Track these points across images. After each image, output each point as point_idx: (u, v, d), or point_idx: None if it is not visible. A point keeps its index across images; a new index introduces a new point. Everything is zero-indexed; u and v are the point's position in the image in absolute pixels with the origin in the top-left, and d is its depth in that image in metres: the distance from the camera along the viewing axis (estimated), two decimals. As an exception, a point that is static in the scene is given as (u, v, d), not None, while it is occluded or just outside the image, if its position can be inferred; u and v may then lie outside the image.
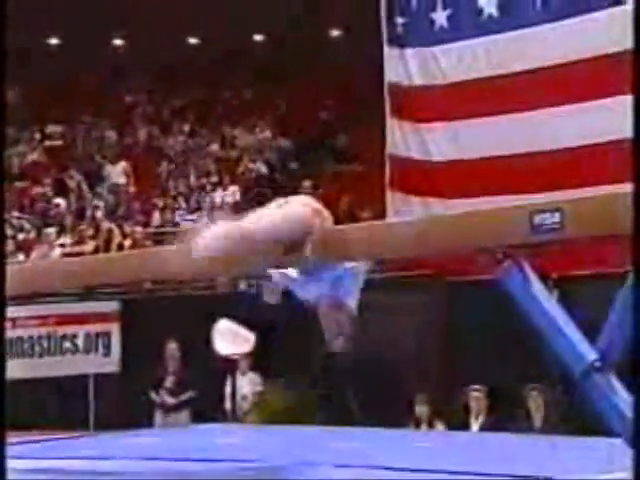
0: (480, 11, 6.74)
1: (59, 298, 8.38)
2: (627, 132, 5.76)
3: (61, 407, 7.93)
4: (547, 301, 2.78)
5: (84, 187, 12.53)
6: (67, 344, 8.47)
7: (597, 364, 2.61)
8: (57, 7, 14.09)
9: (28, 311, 8.35)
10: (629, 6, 5.73)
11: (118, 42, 16.49)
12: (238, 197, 11.91)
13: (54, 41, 16.39)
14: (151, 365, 7.79)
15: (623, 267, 2.79)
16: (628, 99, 5.88)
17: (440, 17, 6.97)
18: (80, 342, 8.45)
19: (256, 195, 12.19)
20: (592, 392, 2.67)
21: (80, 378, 8.34)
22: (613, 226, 2.52)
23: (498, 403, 6.68)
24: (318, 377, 7.48)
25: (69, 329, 8.46)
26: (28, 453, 3.79)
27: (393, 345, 7.25)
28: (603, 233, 2.60)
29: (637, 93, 2.54)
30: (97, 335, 8.45)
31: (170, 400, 7.64)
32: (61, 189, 12.57)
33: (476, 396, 6.65)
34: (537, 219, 2.66)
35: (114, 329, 8.42)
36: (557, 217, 2.59)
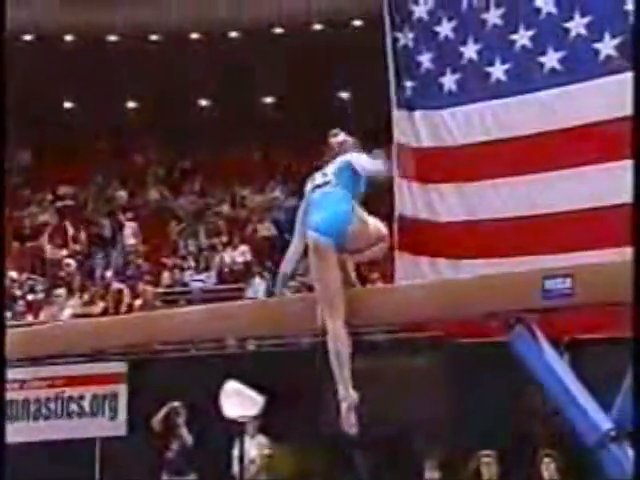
0: (488, 76, 6.81)
1: (66, 359, 8.34)
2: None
3: (67, 471, 7.81)
4: (559, 367, 2.76)
5: (119, 238, 12.63)
6: (74, 406, 8.39)
7: (612, 433, 2.57)
8: (71, 71, 14.39)
9: (36, 373, 8.30)
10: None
11: (131, 104, 16.78)
12: (248, 257, 11.92)
13: (68, 105, 16.69)
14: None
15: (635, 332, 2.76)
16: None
17: (449, 81, 7.04)
18: (87, 404, 8.37)
19: (266, 255, 12.22)
20: (607, 461, 2.63)
21: (86, 441, 8.25)
22: (623, 293, 2.51)
23: (510, 469, 6.55)
24: (327, 443, 7.37)
25: (76, 391, 8.39)
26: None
27: (402, 408, 7.15)
28: (613, 300, 2.59)
29: (637, 154, 2.56)
30: (104, 397, 8.37)
31: (177, 463, 7.54)
32: (99, 240, 12.70)
33: (487, 461, 6.52)
34: (548, 284, 2.66)
35: (121, 391, 8.35)
36: (568, 283, 2.59)
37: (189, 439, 7.55)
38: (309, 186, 3.77)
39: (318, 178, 3.73)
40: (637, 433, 2.19)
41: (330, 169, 3.73)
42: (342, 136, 3.90)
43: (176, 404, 7.55)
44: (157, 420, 7.55)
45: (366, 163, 3.66)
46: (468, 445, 6.78)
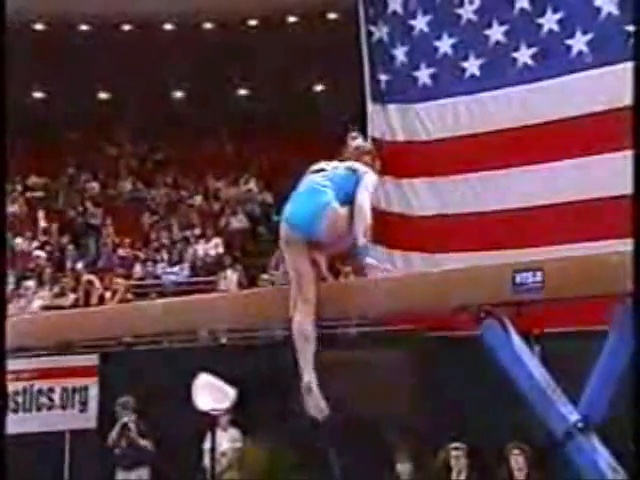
0: (463, 70, 6.85)
1: (36, 352, 8.25)
2: (608, 190, 5.85)
3: (36, 465, 7.74)
4: (529, 360, 2.78)
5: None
6: (43, 399, 8.30)
7: (579, 425, 2.60)
8: (42, 60, 14.21)
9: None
10: (612, 67, 5.88)
11: (103, 95, 16.62)
12: (221, 250, 11.88)
13: (38, 94, 16.49)
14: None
15: (604, 325, 2.80)
16: (609, 158, 6.00)
17: (423, 75, 7.08)
18: (56, 397, 8.29)
19: (239, 248, 12.20)
20: (574, 453, 2.66)
21: (56, 434, 8.17)
22: (593, 287, 2.53)
23: (479, 462, 6.60)
24: (299, 435, 7.37)
25: (45, 384, 8.31)
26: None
27: (374, 401, 7.18)
28: (583, 293, 2.61)
29: (637, 148, 2.58)
30: (74, 390, 8.30)
31: (127, 457, 7.53)
32: (88, 228, 12.59)
33: (456, 454, 6.56)
34: (519, 278, 2.68)
35: (92, 384, 8.28)
36: (538, 276, 2.61)
37: (150, 446, 7.54)
38: (310, 168, 3.74)
39: (320, 164, 3.71)
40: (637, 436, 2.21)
41: (334, 164, 3.69)
42: (360, 141, 3.90)
43: (125, 419, 7.58)
44: (112, 437, 7.62)
45: (363, 201, 3.55)
46: (439, 437, 6.82)
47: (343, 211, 3.51)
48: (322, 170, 3.64)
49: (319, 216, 3.43)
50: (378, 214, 7.46)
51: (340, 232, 3.52)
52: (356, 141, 3.89)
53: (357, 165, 3.70)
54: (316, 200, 3.48)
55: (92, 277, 10.41)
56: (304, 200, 3.52)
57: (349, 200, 3.55)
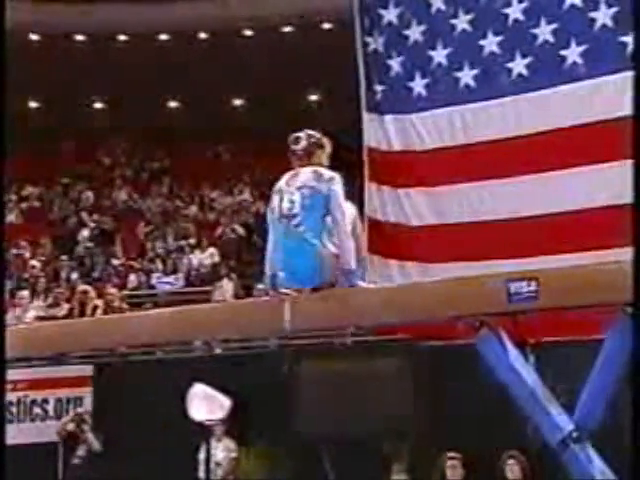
0: (457, 80, 6.87)
1: (30, 362, 8.22)
2: (602, 200, 5.88)
3: (29, 476, 7.69)
4: (524, 370, 2.78)
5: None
6: (37, 410, 8.27)
7: (574, 434, 2.60)
8: (37, 70, 14.23)
9: (-2, 376, 8.17)
10: (606, 78, 5.92)
11: (98, 105, 16.64)
12: (216, 259, 11.88)
13: (33, 104, 16.50)
14: (123, 431, 7.64)
15: (599, 334, 2.80)
16: (602, 168, 6.03)
17: (418, 85, 7.10)
18: (50, 408, 8.26)
19: (234, 257, 12.19)
20: (569, 462, 2.66)
21: (50, 445, 8.13)
22: (587, 296, 2.54)
23: (475, 471, 6.59)
24: (295, 446, 7.36)
25: (39, 394, 8.27)
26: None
27: (370, 411, 7.17)
28: (577, 303, 2.62)
29: (637, 158, 2.60)
30: (68, 400, 8.27)
31: (83, 469, 7.48)
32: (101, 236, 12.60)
33: (452, 464, 6.56)
34: (513, 287, 2.69)
35: (86, 394, 8.25)
36: (533, 286, 2.62)
37: (96, 444, 7.51)
38: (275, 203, 3.53)
39: (285, 201, 3.48)
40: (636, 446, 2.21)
41: (297, 197, 3.46)
42: (304, 141, 3.65)
43: (81, 410, 7.54)
44: (62, 428, 7.55)
45: (343, 234, 3.43)
46: (435, 447, 6.81)
47: (326, 250, 3.44)
48: (292, 203, 3.46)
49: (317, 275, 3.40)
50: (374, 224, 7.50)
51: (334, 265, 3.47)
52: (301, 143, 3.63)
53: (319, 172, 3.54)
54: (303, 256, 3.38)
55: (87, 287, 10.39)
56: (292, 259, 3.41)
57: (323, 221, 3.46)
